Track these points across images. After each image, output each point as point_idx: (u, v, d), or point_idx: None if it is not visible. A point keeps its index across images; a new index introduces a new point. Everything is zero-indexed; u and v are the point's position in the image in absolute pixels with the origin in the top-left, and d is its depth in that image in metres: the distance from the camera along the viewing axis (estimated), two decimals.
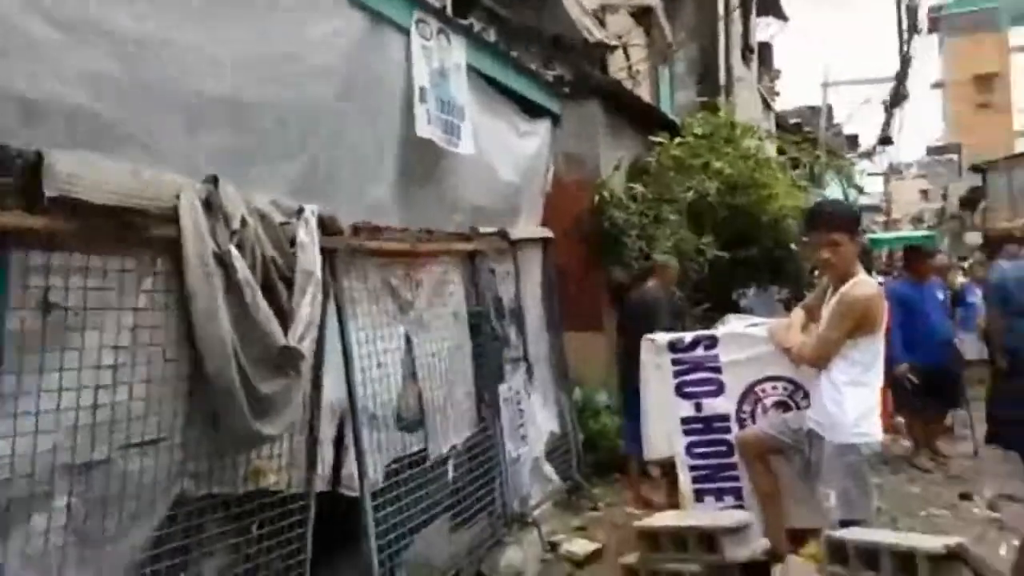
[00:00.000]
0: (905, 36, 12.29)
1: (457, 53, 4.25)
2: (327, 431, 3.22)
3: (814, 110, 21.57)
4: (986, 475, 6.00)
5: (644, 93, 9.61)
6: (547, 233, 5.50)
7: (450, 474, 3.81)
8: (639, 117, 7.66)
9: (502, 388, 4.43)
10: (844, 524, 3.33)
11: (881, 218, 31.07)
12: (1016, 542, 3.57)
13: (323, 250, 3.01)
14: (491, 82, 4.80)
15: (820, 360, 3.51)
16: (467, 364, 4.16)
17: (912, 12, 11.33)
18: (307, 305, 2.77)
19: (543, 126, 5.52)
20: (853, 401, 3.41)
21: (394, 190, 3.86)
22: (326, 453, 3.17)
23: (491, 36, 6.11)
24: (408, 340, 3.68)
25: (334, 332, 3.16)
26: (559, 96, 5.86)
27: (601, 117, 6.90)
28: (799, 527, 3.67)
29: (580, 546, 4.28)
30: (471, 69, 4.40)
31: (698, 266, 6.66)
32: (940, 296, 6.77)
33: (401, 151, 3.81)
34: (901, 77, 13.89)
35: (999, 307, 6.18)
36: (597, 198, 6.47)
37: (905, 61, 13.27)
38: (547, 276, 5.43)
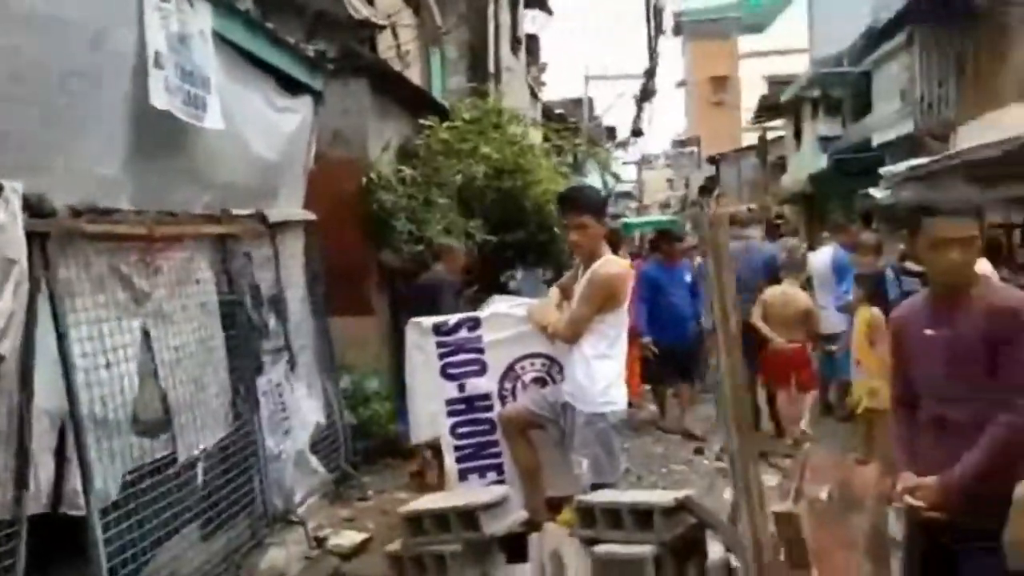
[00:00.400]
0: (653, 36, 13.47)
1: (201, 18, 3.88)
2: (43, 443, 2.81)
3: (577, 102, 22.89)
4: (718, 432, 6.76)
5: (415, 76, 9.54)
6: (310, 215, 5.26)
7: (200, 478, 3.50)
8: (409, 99, 7.59)
9: (261, 381, 4.17)
10: (595, 488, 3.56)
11: (634, 204, 33.91)
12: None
13: (31, 234, 2.62)
14: (244, 54, 4.47)
15: (573, 336, 3.71)
16: (220, 357, 3.85)
17: (658, 14, 12.42)
18: (8, 298, 2.38)
19: (304, 103, 5.25)
20: (601, 372, 3.66)
21: (128, 167, 3.44)
22: (42, 468, 2.77)
23: (246, 4, 5.68)
24: (146, 334, 3.32)
25: (49, 329, 2.76)
26: (322, 73, 5.60)
27: (369, 97, 6.72)
28: (557, 495, 3.85)
29: (348, 538, 4.17)
30: (220, 38, 4.05)
31: (467, 249, 6.74)
32: (688, 278, 7.42)
33: (136, 124, 3.41)
34: (649, 74, 15.19)
35: None
36: (365, 180, 6.32)
37: (653, 60, 14.53)
38: (311, 260, 5.20)
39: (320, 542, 4.16)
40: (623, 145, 23.11)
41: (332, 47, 6.88)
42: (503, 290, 7.67)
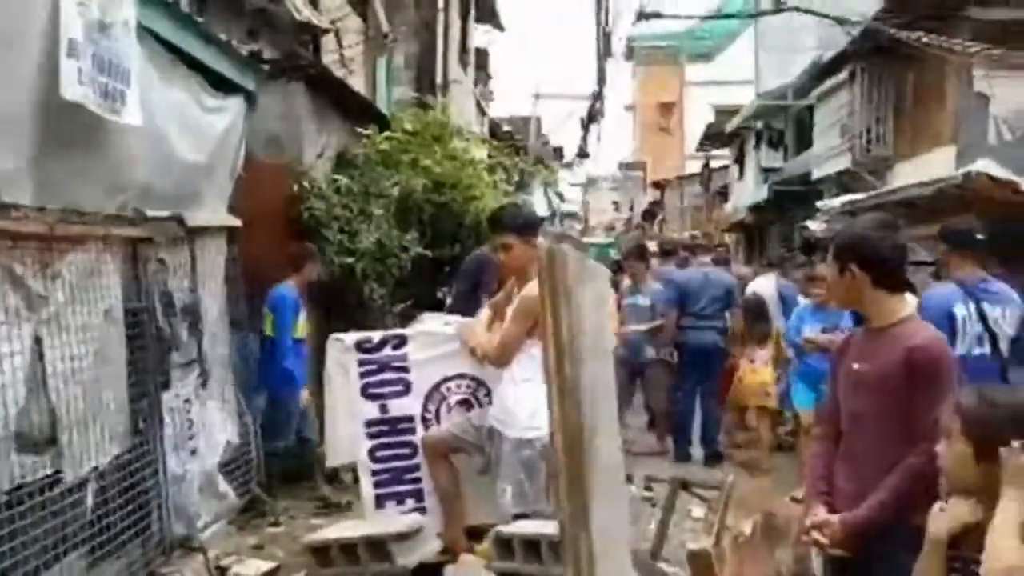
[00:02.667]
0: (601, 59, 13.60)
1: (126, 8, 3.65)
2: None
3: (526, 120, 22.95)
4: (643, 459, 6.74)
5: (360, 83, 9.35)
6: (234, 221, 5.02)
7: (89, 500, 3.24)
8: (349, 107, 7.41)
9: (166, 396, 3.91)
10: (518, 517, 3.43)
11: (580, 225, 34.13)
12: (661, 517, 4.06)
13: None
14: (172, 49, 4.25)
15: (503, 358, 3.59)
16: (120, 369, 3.58)
17: (607, 38, 12.55)
18: None
19: (235, 104, 5.03)
20: (530, 396, 3.53)
21: (32, 161, 3.20)
22: None
23: None
24: (38, 342, 3.06)
25: None
26: (256, 73, 5.39)
27: (307, 102, 6.51)
28: (478, 524, 3.71)
29: (253, 567, 3.91)
30: (146, 31, 3.84)
31: (400, 263, 6.58)
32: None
33: (43, 115, 3.18)
34: (596, 97, 15.30)
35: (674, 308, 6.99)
36: (297, 187, 6.10)
37: (600, 83, 14.67)
38: (232, 269, 4.96)
39: (223, 572, 3.90)
40: (568, 166, 23.21)
41: (273, 49, 6.67)
42: (440, 306, 7.50)
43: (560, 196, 27.99)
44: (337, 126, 7.12)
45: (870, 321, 2.48)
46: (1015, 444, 1.83)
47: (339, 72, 8.02)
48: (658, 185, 31.26)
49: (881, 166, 11.73)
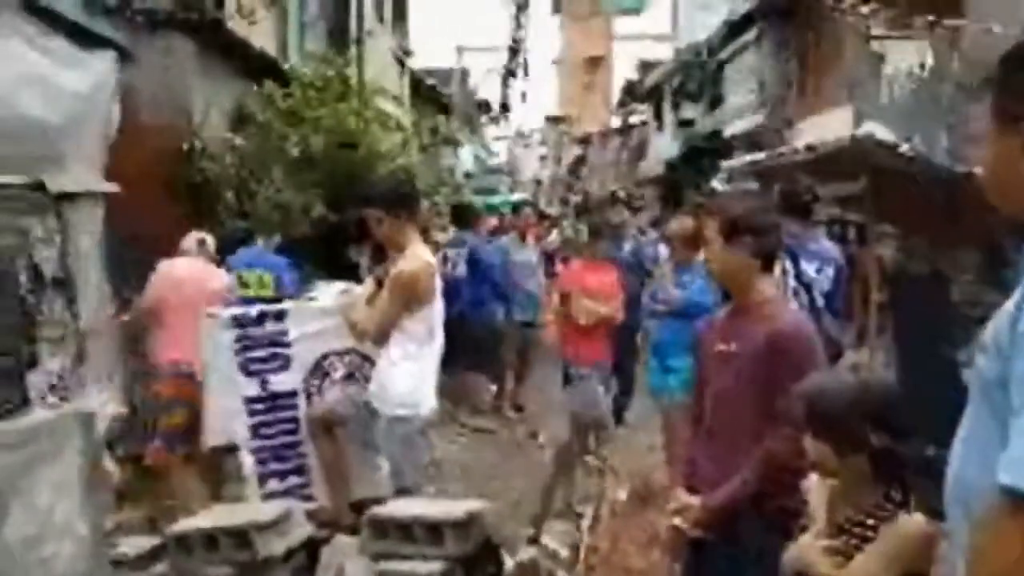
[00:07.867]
0: (516, 15, 13.34)
1: None
2: None
3: (451, 73, 22.47)
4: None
5: (268, 37, 8.91)
6: (110, 186, 4.73)
7: None
8: (248, 62, 7.06)
9: (36, 374, 3.68)
10: (400, 493, 3.41)
11: (508, 179, 33.78)
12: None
13: None
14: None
15: (380, 337, 3.52)
16: None
17: None
18: None
19: (102, 59, 4.68)
20: (407, 374, 3.48)
21: None
22: None
23: None
24: None
25: None
26: (129, 26, 5.06)
27: (193, 57, 6.17)
28: (362, 498, 3.67)
29: (136, 546, 3.75)
30: None
31: (302, 225, 6.37)
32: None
33: None
34: (514, 51, 15.07)
35: None
36: (187, 148, 5.80)
37: (516, 38, 14.46)
38: (111, 237, 4.69)
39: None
40: (494, 120, 22.88)
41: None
42: (353, 269, 7.31)
43: (487, 150, 27.67)
44: (232, 83, 6.79)
45: (738, 299, 2.43)
46: (915, 517, 1.79)
47: (239, 24, 7.62)
48: (582, 141, 31.22)
49: (785, 125, 11.96)
